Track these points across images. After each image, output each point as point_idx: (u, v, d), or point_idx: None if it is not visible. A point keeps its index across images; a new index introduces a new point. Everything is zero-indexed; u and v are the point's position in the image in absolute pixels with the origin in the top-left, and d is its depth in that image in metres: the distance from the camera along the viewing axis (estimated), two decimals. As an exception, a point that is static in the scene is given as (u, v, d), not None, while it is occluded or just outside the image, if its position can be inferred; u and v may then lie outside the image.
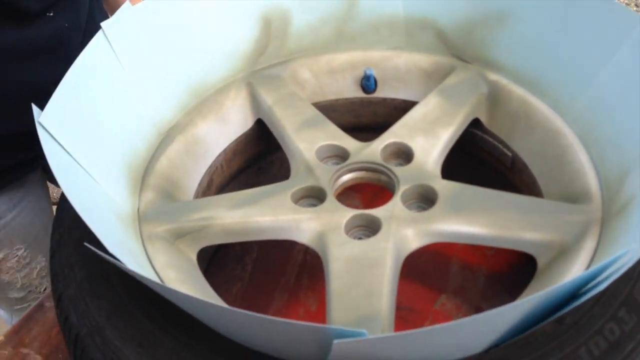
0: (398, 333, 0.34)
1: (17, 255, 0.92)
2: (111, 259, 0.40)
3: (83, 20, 0.85)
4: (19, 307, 0.98)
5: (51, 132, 0.51)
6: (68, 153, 0.52)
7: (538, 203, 0.57)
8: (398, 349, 0.36)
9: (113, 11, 1.00)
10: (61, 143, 0.52)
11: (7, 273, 0.93)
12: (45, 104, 0.76)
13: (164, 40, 0.66)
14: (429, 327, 0.34)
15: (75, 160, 0.53)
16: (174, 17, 0.66)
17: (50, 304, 0.77)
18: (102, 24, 0.60)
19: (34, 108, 0.51)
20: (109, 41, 0.60)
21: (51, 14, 0.78)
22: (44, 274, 0.97)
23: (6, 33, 0.75)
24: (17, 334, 0.74)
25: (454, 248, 0.75)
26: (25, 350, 0.73)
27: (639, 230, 0.44)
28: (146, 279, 0.39)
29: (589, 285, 0.39)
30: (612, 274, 0.37)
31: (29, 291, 0.96)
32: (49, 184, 1.01)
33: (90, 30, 0.86)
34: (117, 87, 0.61)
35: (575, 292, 0.39)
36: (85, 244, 0.41)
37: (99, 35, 0.59)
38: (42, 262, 0.96)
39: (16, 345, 0.73)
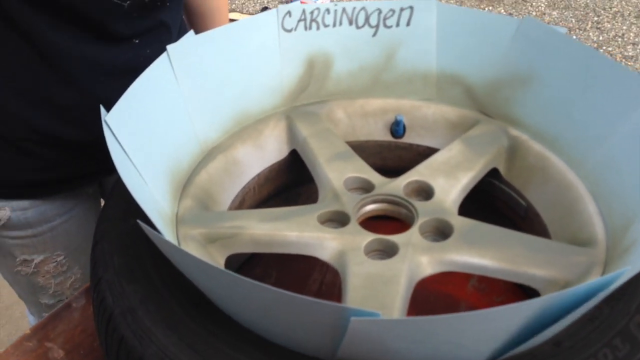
0: (410, 318, 0.38)
1: (56, 261, 0.96)
2: (156, 233, 0.44)
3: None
4: (46, 314, 1.02)
5: (114, 130, 0.57)
6: (125, 152, 0.58)
7: (546, 243, 0.61)
8: (407, 336, 0.40)
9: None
10: (120, 142, 0.58)
11: (44, 277, 0.97)
12: None
13: (218, 68, 0.73)
14: (440, 315, 0.37)
15: (130, 159, 0.59)
16: (230, 49, 0.73)
17: (77, 304, 0.82)
18: (168, 46, 0.67)
19: (102, 109, 0.57)
20: (170, 62, 0.67)
21: (137, 41, 0.85)
22: (77, 286, 1.00)
23: (91, 49, 0.82)
24: (42, 329, 0.78)
25: (464, 292, 0.78)
26: (49, 344, 0.77)
27: (637, 257, 0.48)
28: (180, 249, 0.44)
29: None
30: (608, 285, 0.41)
31: (59, 300, 1.00)
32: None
33: None
34: (171, 103, 0.68)
35: (575, 304, 0.42)
36: (138, 221, 0.46)
37: (163, 55, 0.66)
38: (77, 274, 1.00)
39: (41, 339, 0.77)
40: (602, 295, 0.42)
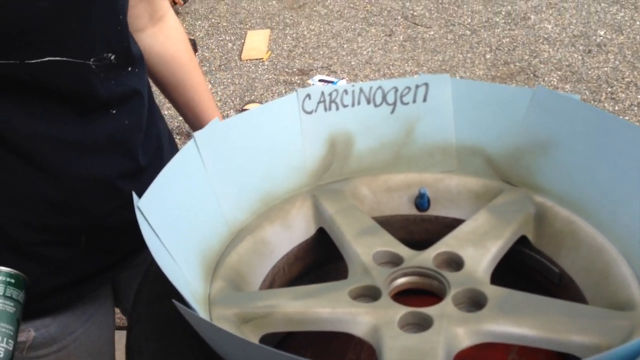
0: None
1: None
2: (193, 313, 0.45)
3: (143, 120, 0.89)
4: None
5: (146, 216, 0.59)
6: (157, 235, 0.59)
7: (584, 309, 0.60)
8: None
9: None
10: (152, 226, 0.59)
11: None
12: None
13: (242, 152, 0.75)
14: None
15: (162, 243, 0.60)
16: (254, 134, 0.76)
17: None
18: (194, 133, 0.70)
19: (134, 195, 0.59)
20: (197, 147, 0.70)
21: (114, 112, 0.82)
22: None
23: (70, 126, 0.79)
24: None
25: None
26: None
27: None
28: (218, 327, 0.44)
29: None
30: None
31: None
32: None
33: (151, 132, 0.92)
34: (199, 188, 0.70)
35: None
36: (173, 300, 0.46)
37: (191, 142, 0.69)
38: None
39: None
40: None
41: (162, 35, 1.01)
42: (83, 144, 0.80)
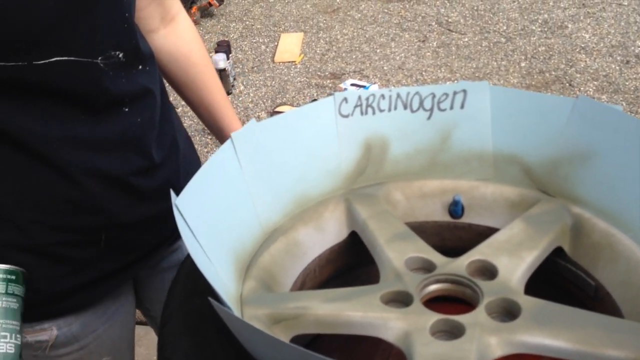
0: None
1: None
2: (229, 311, 0.45)
3: (156, 118, 0.89)
4: None
5: (183, 213, 0.59)
6: (192, 233, 0.60)
7: (621, 323, 0.58)
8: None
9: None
10: (189, 224, 0.60)
11: None
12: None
13: (278, 153, 0.75)
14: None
15: (197, 241, 0.60)
16: (290, 135, 0.76)
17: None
18: (232, 133, 0.70)
19: (172, 193, 0.60)
20: (234, 148, 0.70)
21: (126, 110, 0.82)
22: None
23: (82, 126, 0.79)
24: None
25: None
26: None
27: None
28: (253, 327, 0.44)
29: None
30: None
31: None
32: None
33: (165, 129, 0.91)
34: (235, 187, 0.70)
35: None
36: (209, 298, 0.47)
37: (228, 142, 0.70)
38: None
39: None
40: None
41: (174, 36, 1.00)
42: (96, 142, 0.81)
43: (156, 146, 0.89)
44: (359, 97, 0.80)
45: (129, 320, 1.00)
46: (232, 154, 0.71)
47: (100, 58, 0.77)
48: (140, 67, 0.85)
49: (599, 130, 0.71)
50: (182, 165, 0.96)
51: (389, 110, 0.80)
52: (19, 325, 0.72)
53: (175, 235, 0.96)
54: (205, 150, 2.95)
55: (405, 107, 0.80)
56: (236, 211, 0.70)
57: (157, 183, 0.89)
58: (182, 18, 1.03)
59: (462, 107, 0.79)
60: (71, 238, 0.83)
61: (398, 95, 0.80)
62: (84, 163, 0.80)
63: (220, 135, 1.10)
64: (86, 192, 0.81)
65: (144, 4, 0.93)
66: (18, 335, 0.71)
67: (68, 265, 0.85)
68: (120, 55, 0.79)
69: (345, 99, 0.79)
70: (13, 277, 0.73)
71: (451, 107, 0.79)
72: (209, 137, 3.02)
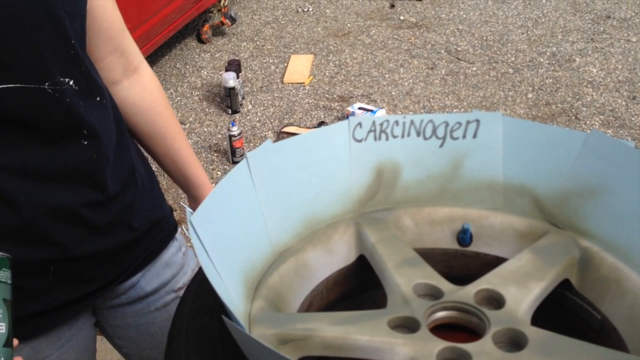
0: None
1: None
2: (242, 330, 0.46)
3: (112, 152, 0.87)
4: None
5: (197, 230, 0.60)
6: (205, 250, 0.61)
7: (626, 358, 0.59)
8: None
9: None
10: (202, 241, 0.60)
11: None
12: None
13: (291, 175, 0.76)
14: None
15: (209, 256, 0.61)
16: (303, 157, 0.77)
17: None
18: (247, 153, 0.71)
19: (186, 208, 0.61)
20: (249, 167, 0.71)
21: (85, 143, 0.81)
22: None
23: (34, 155, 0.77)
24: None
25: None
26: None
27: None
28: (269, 348, 0.44)
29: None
30: None
31: None
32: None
33: (121, 162, 0.90)
34: (248, 207, 0.71)
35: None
36: (223, 316, 0.47)
37: (243, 162, 0.71)
38: None
39: None
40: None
41: (138, 86, 0.99)
42: (49, 174, 0.79)
43: (111, 180, 0.87)
44: (373, 123, 0.81)
45: (87, 345, 0.97)
46: (247, 174, 0.72)
47: (47, 84, 0.76)
48: (98, 98, 0.84)
49: (610, 165, 0.72)
50: (140, 198, 0.94)
51: (402, 136, 0.81)
52: (5, 313, 0.68)
53: (133, 269, 0.94)
54: (211, 167, 2.96)
55: (418, 134, 0.81)
56: (248, 230, 0.71)
57: (111, 217, 0.87)
58: (144, 68, 1.01)
59: (474, 136, 0.80)
60: (19, 268, 0.76)
61: (412, 122, 0.81)
62: (33, 194, 0.78)
63: (186, 185, 1.08)
64: (34, 223, 0.80)
65: (104, 54, 0.92)
66: (2, 324, 0.67)
67: (16, 295, 0.78)
68: (71, 82, 0.79)
69: (360, 124, 0.80)
70: None
71: (464, 136, 0.80)
72: (215, 154, 3.03)
